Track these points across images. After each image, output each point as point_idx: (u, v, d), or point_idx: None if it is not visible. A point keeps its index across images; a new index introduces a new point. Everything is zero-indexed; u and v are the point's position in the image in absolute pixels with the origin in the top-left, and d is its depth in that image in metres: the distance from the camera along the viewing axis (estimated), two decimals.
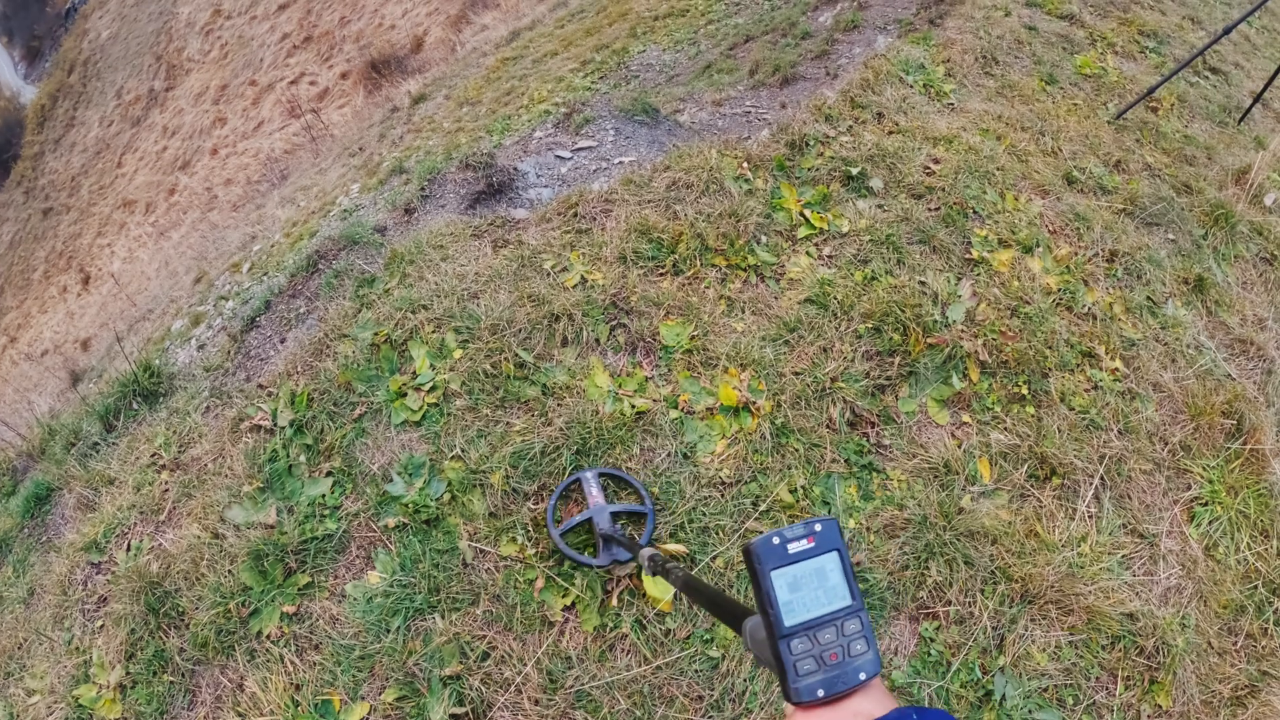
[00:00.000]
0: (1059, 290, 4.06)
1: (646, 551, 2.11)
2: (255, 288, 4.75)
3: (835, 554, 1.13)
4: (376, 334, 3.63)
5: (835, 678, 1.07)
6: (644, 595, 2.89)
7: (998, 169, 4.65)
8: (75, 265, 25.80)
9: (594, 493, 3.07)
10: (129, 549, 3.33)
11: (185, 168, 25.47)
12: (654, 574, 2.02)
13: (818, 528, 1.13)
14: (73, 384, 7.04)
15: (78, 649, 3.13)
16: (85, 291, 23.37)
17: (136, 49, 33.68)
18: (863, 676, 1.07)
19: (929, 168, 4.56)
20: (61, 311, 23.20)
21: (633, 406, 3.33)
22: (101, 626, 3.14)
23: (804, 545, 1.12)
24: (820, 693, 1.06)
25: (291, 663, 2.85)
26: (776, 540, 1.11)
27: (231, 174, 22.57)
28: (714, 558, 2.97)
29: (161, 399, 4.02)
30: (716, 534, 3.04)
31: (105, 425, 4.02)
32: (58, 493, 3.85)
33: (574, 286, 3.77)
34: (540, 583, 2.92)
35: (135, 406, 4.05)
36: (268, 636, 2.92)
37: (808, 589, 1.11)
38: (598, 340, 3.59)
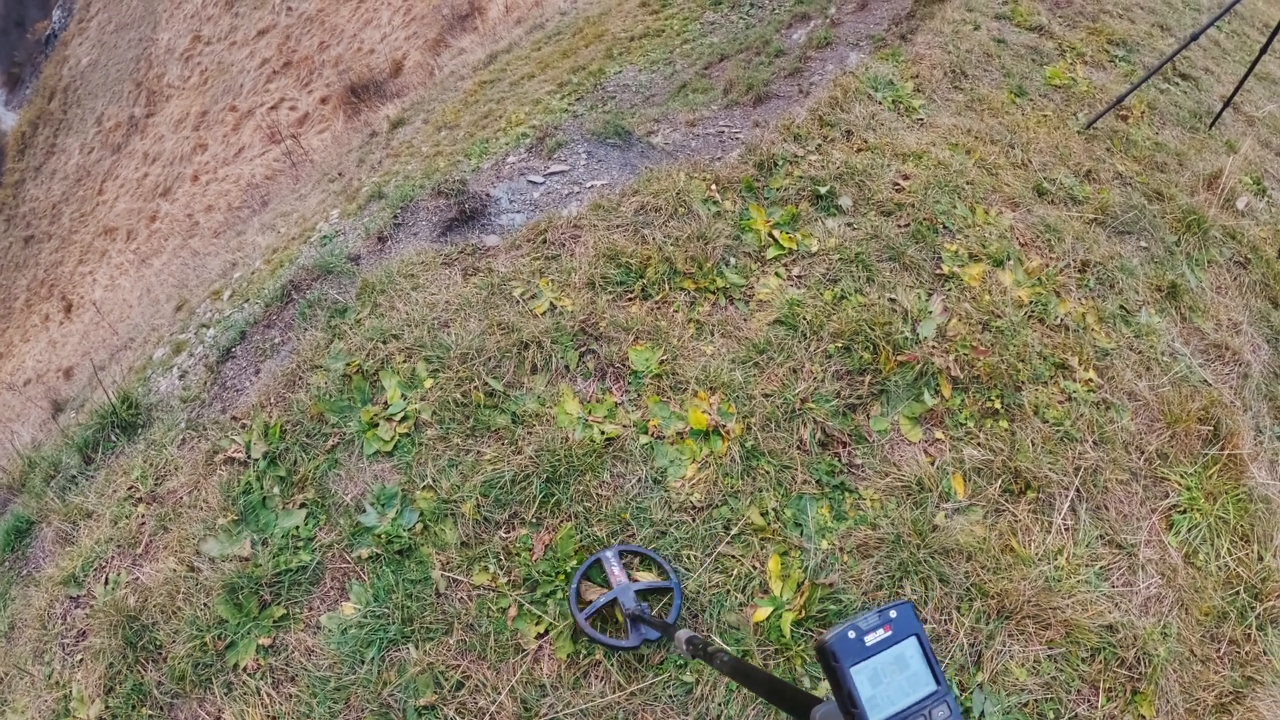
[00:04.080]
0: (1031, 303, 4.09)
1: (683, 634, 2.05)
2: (236, 315, 4.75)
3: (914, 639, 1.11)
4: (348, 365, 3.63)
5: None
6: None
7: (967, 183, 4.68)
8: (57, 293, 25.70)
9: (616, 571, 2.96)
10: (107, 582, 3.32)
11: (166, 194, 25.41)
12: (694, 657, 1.93)
13: (893, 614, 1.11)
14: (54, 414, 7.01)
15: (57, 683, 3.12)
16: (67, 320, 23.27)
17: (116, 75, 33.64)
18: None
19: (898, 184, 4.59)
20: (44, 340, 23.09)
21: (602, 433, 3.34)
22: (81, 660, 3.13)
23: (881, 635, 1.10)
24: None
25: (268, 695, 2.84)
26: (852, 634, 1.09)
27: (212, 200, 22.53)
28: (685, 583, 2.97)
29: (140, 430, 4.01)
30: (689, 559, 3.04)
31: (84, 457, 4.01)
32: (37, 526, 3.83)
33: (543, 313, 3.78)
34: (513, 611, 2.91)
35: (114, 439, 4.04)
36: (244, 669, 2.91)
37: (890, 680, 1.08)
38: (567, 367, 3.59)
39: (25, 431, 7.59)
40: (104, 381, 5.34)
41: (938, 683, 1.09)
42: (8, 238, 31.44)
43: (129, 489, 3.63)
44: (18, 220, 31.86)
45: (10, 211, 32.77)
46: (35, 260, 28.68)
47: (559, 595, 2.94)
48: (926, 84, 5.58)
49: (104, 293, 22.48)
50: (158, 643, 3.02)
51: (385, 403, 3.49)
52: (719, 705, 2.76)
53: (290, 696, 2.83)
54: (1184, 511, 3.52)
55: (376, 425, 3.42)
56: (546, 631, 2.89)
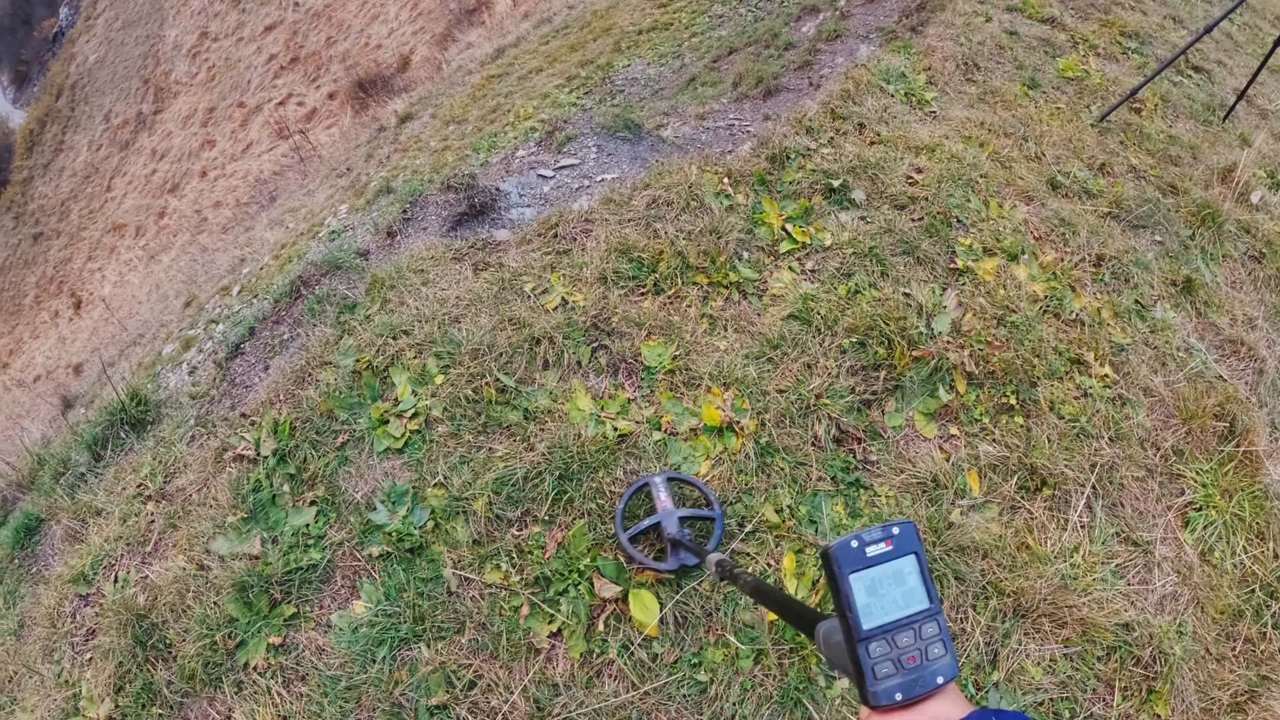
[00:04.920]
0: (1046, 297, 4.04)
1: (714, 557, 2.12)
2: (245, 311, 4.73)
3: (913, 557, 1.13)
4: (358, 361, 3.60)
5: (913, 681, 1.07)
6: (630, 620, 2.86)
7: (981, 176, 4.64)
8: (66, 290, 25.77)
9: (663, 497, 3.04)
10: (116, 581, 3.31)
11: (174, 191, 25.45)
12: (721, 579, 2.03)
13: (896, 531, 1.13)
14: (64, 410, 7.00)
15: (67, 682, 3.11)
16: (77, 316, 23.33)
17: (124, 73, 33.70)
18: (940, 680, 1.08)
19: (911, 177, 4.54)
20: (53, 337, 23.15)
21: (615, 429, 3.31)
22: (90, 659, 3.12)
23: (882, 548, 1.12)
24: (898, 696, 1.06)
25: (279, 694, 2.82)
26: (855, 544, 1.12)
27: (220, 196, 22.55)
28: (700, 581, 2.94)
29: (149, 427, 4.00)
30: None
31: (93, 455, 4.00)
32: (46, 524, 3.82)
33: (554, 308, 3.75)
34: (526, 609, 2.89)
35: (123, 435, 4.03)
36: (254, 668, 2.90)
37: (886, 592, 1.11)
38: (579, 363, 3.56)
39: (35, 428, 7.60)
40: (113, 378, 5.33)
41: (930, 600, 1.12)
42: (17, 235, 31.54)
43: (138, 486, 3.62)
44: (26, 217, 31.95)
45: (19, 209, 32.87)
46: (44, 257, 28.76)
47: (571, 594, 2.92)
48: (939, 76, 5.54)
49: (113, 289, 22.53)
50: (167, 641, 3.01)
51: (396, 399, 3.47)
52: (733, 705, 2.74)
53: (301, 696, 2.81)
54: (1200, 509, 3.49)
55: (387, 422, 3.39)
56: (559, 630, 2.86)
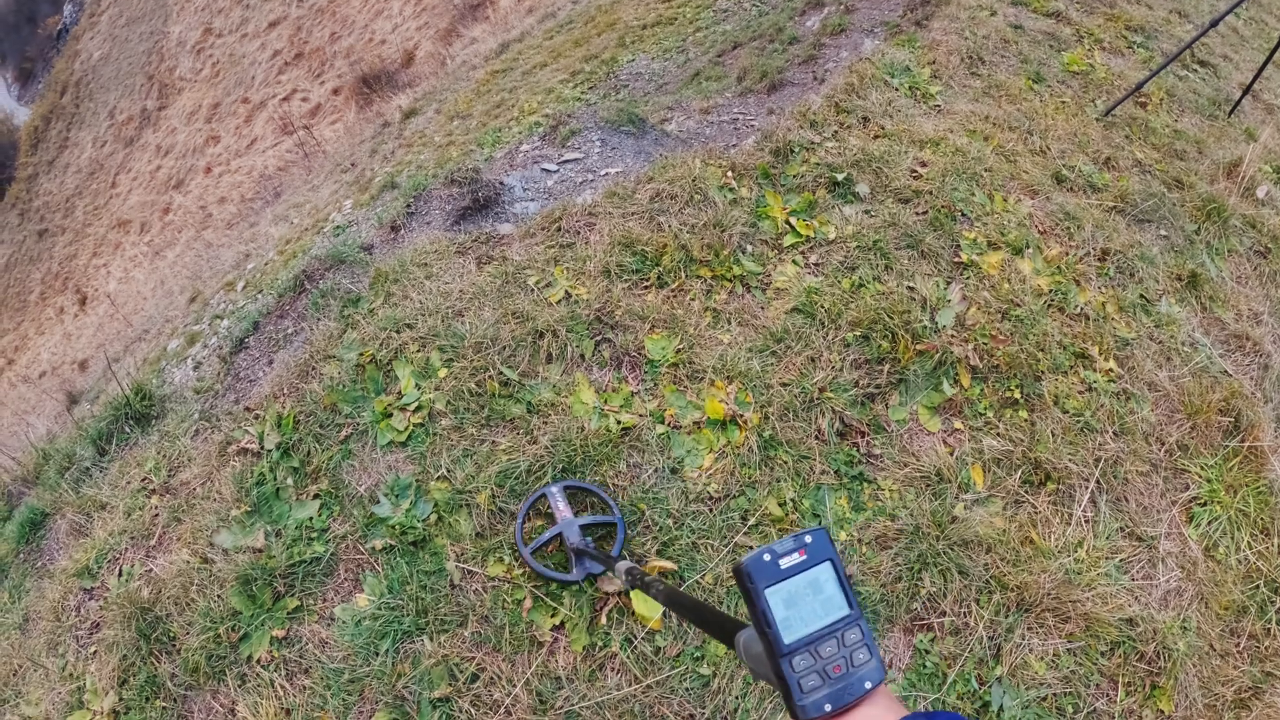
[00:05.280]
0: (1050, 291, 4.03)
1: (623, 565, 2.11)
2: (249, 306, 4.73)
3: (829, 564, 1.12)
4: (362, 354, 3.60)
5: (841, 690, 1.06)
6: (633, 613, 2.86)
7: (986, 170, 4.62)
8: (71, 286, 25.81)
9: (561, 507, 3.03)
10: (120, 574, 3.31)
11: (179, 187, 25.47)
12: (633, 588, 2.01)
13: (808, 539, 1.12)
14: (69, 406, 7.02)
15: (71, 675, 3.11)
16: (82, 312, 23.37)
17: (128, 69, 33.73)
18: (868, 685, 1.07)
19: (916, 171, 4.53)
20: (59, 333, 23.20)
21: (619, 422, 3.31)
22: (94, 653, 3.12)
23: (796, 559, 1.11)
24: (828, 707, 1.05)
25: (282, 687, 2.83)
26: (768, 557, 1.11)
27: (225, 192, 22.58)
28: (703, 574, 2.94)
29: (153, 422, 4.00)
30: (705, 550, 3.01)
31: (98, 449, 4.00)
32: (51, 518, 3.83)
33: (558, 302, 3.75)
34: (528, 603, 2.89)
35: (127, 430, 4.03)
36: (258, 661, 2.90)
37: (804, 603, 1.10)
38: (582, 356, 3.56)
39: (41, 423, 7.63)
40: (118, 374, 5.34)
41: (850, 607, 1.12)
42: (22, 231, 31.59)
43: (142, 480, 3.62)
44: (31, 214, 32.00)
45: (24, 205, 32.92)
46: (49, 254, 28.81)
47: (575, 587, 2.91)
48: (943, 70, 5.52)
49: (118, 285, 22.57)
50: (171, 634, 3.02)
51: (399, 392, 3.46)
52: (736, 699, 2.74)
53: (304, 688, 2.82)
54: (1204, 504, 3.48)
55: (390, 415, 3.39)
56: (562, 624, 2.86)
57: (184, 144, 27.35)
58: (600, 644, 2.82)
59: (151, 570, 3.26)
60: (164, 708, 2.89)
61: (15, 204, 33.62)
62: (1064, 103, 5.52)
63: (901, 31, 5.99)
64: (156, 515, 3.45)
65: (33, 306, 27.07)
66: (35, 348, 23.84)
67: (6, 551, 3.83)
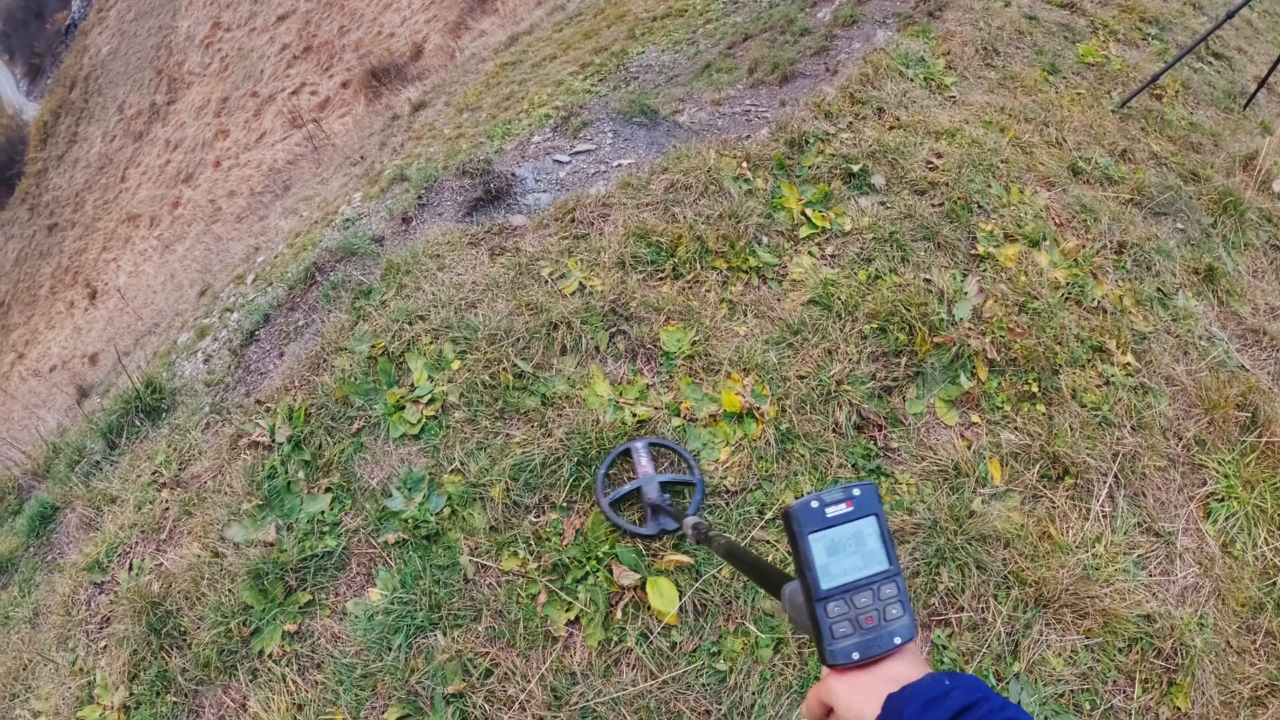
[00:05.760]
0: (1067, 284, 3.99)
1: (690, 520, 2.13)
2: (259, 299, 4.72)
3: (873, 519, 1.14)
4: (373, 346, 3.58)
5: (870, 641, 1.08)
6: (649, 608, 2.83)
7: (1002, 162, 4.58)
8: (81, 280, 25.89)
9: (644, 462, 3.07)
10: (131, 568, 3.30)
11: (188, 181, 25.52)
12: (698, 542, 2.04)
13: (856, 492, 1.13)
14: (80, 399, 7.03)
15: (81, 670, 3.10)
16: (92, 306, 23.44)
17: (137, 64, 33.81)
18: (898, 641, 1.09)
19: (931, 162, 4.49)
20: (69, 327, 23.28)
21: (634, 415, 3.27)
22: (105, 647, 3.11)
23: (842, 509, 1.12)
24: (855, 655, 1.08)
25: (294, 682, 2.81)
26: (815, 504, 1.12)
27: (234, 186, 22.60)
28: (719, 569, 2.91)
29: (164, 415, 3.99)
30: None
31: (108, 443, 3.99)
32: (61, 512, 3.82)
33: (572, 293, 3.71)
34: (543, 597, 2.86)
35: (138, 423, 4.02)
36: (269, 656, 2.88)
37: (845, 553, 1.12)
38: (597, 348, 3.53)
39: (51, 417, 7.64)
40: (128, 367, 5.33)
41: (890, 562, 1.13)
42: (31, 226, 31.72)
43: (153, 474, 3.61)
44: (41, 209, 32.11)
45: (34, 200, 33.04)
46: (59, 248, 28.91)
47: (589, 581, 2.89)
48: (958, 61, 5.48)
49: (128, 279, 22.63)
50: (182, 629, 3.00)
51: (412, 385, 3.44)
52: (752, 694, 2.71)
53: (316, 684, 2.80)
54: (1222, 500, 3.43)
55: (403, 408, 3.37)
56: (577, 618, 2.83)
57: (193, 138, 27.40)
58: (616, 639, 2.79)
59: (162, 564, 3.24)
60: (175, 703, 2.87)
61: (25, 199, 33.75)
62: (1079, 94, 5.48)
63: (914, 22, 5.95)
64: (167, 509, 3.43)
65: (43, 301, 27.17)
66: (45, 342, 23.94)
67: (16, 546, 3.82)
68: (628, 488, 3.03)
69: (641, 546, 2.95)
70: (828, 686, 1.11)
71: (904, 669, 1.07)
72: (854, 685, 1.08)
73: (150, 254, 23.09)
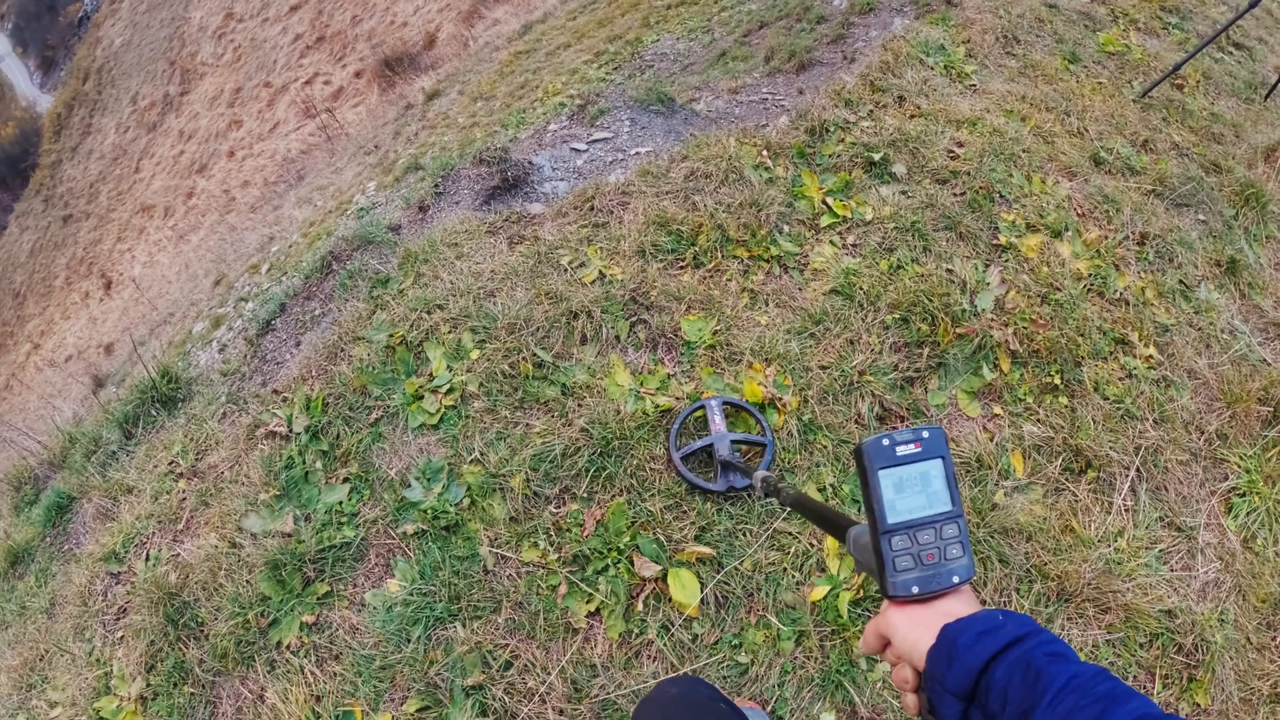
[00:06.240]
0: (1089, 275, 3.94)
1: (760, 474, 2.18)
2: (274, 288, 4.71)
3: (940, 461, 1.17)
4: (391, 336, 3.56)
5: (930, 577, 1.12)
6: (670, 599, 2.81)
7: (1023, 151, 4.53)
8: (96, 271, 25.99)
9: (717, 420, 3.11)
10: (148, 559, 3.30)
11: (202, 171, 25.57)
12: (766, 495, 2.09)
13: (925, 434, 1.17)
14: (96, 389, 7.04)
15: (98, 660, 3.10)
16: (107, 296, 23.52)
17: (150, 55, 33.88)
18: (956, 579, 1.12)
19: (953, 151, 4.44)
20: (84, 317, 23.37)
21: (655, 405, 3.24)
22: (121, 638, 3.11)
23: (911, 449, 1.16)
24: (915, 589, 1.12)
25: (312, 673, 2.80)
26: (886, 442, 1.16)
27: (248, 176, 22.63)
28: (741, 560, 2.88)
29: (180, 405, 3.99)
30: (743, 536, 2.95)
31: (124, 433, 3.99)
32: (78, 502, 3.82)
33: (592, 282, 3.69)
34: (563, 589, 2.84)
35: (154, 413, 4.02)
36: (287, 647, 2.87)
37: (911, 491, 1.16)
38: (618, 337, 3.50)
39: (67, 407, 7.67)
40: (144, 356, 5.33)
41: (953, 504, 1.16)
42: (46, 217, 31.86)
43: (170, 464, 3.60)
44: (55, 200, 32.25)
45: (48, 192, 33.18)
46: (74, 239, 29.04)
47: (610, 573, 2.87)
48: (978, 49, 5.42)
49: (143, 269, 22.70)
50: (199, 620, 2.99)
51: (430, 374, 3.42)
52: (774, 687, 2.68)
53: (334, 675, 2.78)
54: (1243, 495, 3.39)
55: (421, 397, 3.35)
56: (598, 610, 2.81)
57: (207, 128, 27.44)
58: (637, 631, 2.77)
59: (179, 555, 3.24)
60: (192, 694, 2.87)
61: (40, 190, 33.90)
62: (1100, 83, 5.42)
63: (933, 10, 5.89)
64: (184, 499, 3.43)
65: (58, 291, 27.30)
66: (61, 332, 24.05)
67: (33, 536, 3.83)
68: (700, 443, 3.07)
69: (663, 537, 2.93)
70: (887, 618, 1.14)
71: (960, 606, 1.11)
72: (912, 618, 1.11)
73: (165, 244, 23.16)
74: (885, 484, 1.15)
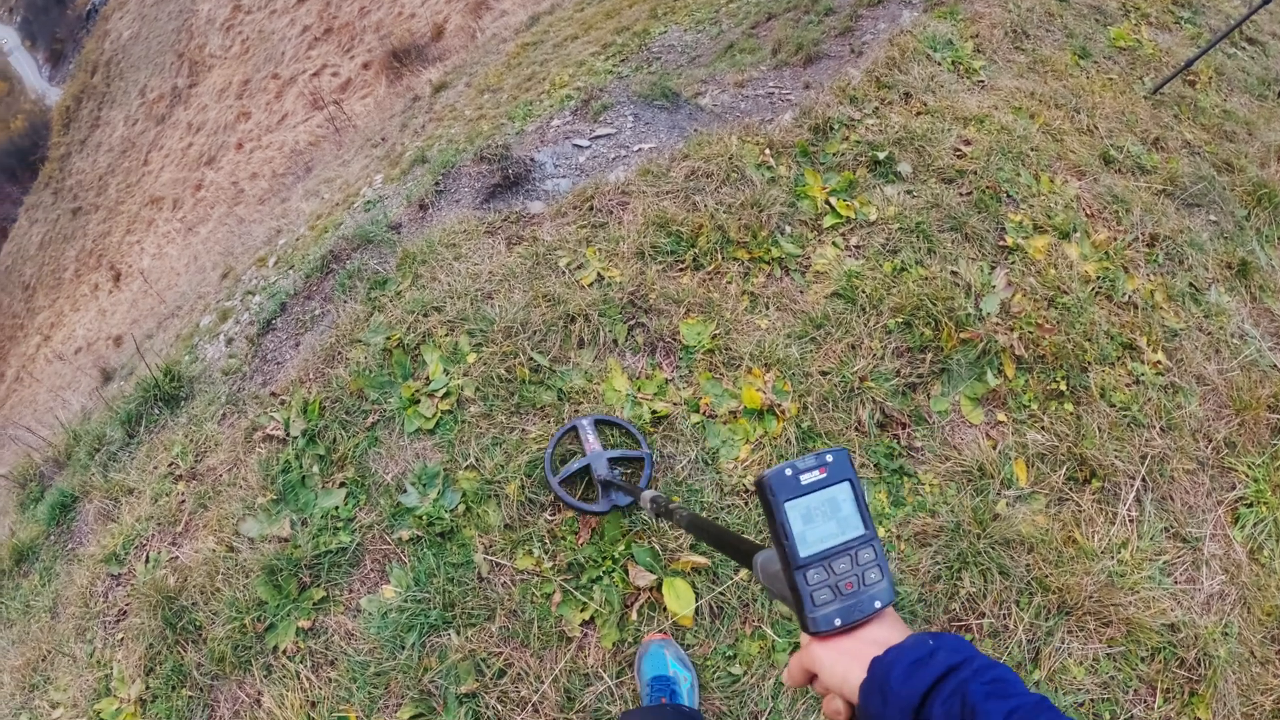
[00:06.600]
0: (1098, 278, 3.89)
1: (648, 494, 2.12)
2: (280, 282, 4.70)
3: (847, 484, 1.14)
4: (389, 338, 3.53)
5: (851, 606, 1.09)
6: (664, 609, 2.78)
7: (1031, 149, 4.46)
8: (105, 263, 26.10)
9: (590, 439, 3.08)
10: (147, 561, 3.30)
11: (211, 163, 25.62)
12: (657, 516, 2.10)
13: (829, 459, 1.14)
14: (104, 383, 7.06)
15: (99, 662, 3.11)
16: (116, 288, 23.62)
17: (158, 47, 33.96)
18: (878, 605, 1.10)
19: (959, 149, 4.38)
20: (93, 309, 23.47)
21: (652, 411, 3.22)
22: (122, 640, 3.12)
23: (816, 476, 1.12)
24: (837, 622, 1.08)
25: (307, 679, 2.80)
26: (789, 472, 1.12)
27: (257, 168, 22.66)
28: (739, 570, 2.85)
29: (182, 404, 3.98)
30: None
31: (127, 431, 4.00)
32: (80, 501, 3.83)
33: (590, 284, 3.65)
34: (558, 597, 2.83)
35: (157, 411, 4.02)
36: (284, 652, 2.87)
37: (821, 520, 1.12)
38: (615, 341, 3.47)
39: (75, 400, 7.70)
40: (148, 354, 5.33)
41: (865, 527, 1.13)
42: (55, 210, 32.01)
43: (169, 465, 3.59)
44: (65, 193, 32.38)
45: (57, 184, 33.33)
46: (83, 231, 29.16)
47: (604, 581, 2.85)
48: (987, 44, 5.35)
49: (151, 261, 22.78)
50: (197, 624, 2.99)
51: (427, 378, 3.40)
52: (767, 699, 2.67)
53: (330, 680, 2.78)
54: (1250, 505, 3.35)
55: (418, 402, 3.32)
56: (592, 619, 2.80)
57: (215, 121, 27.49)
58: (631, 640, 2.75)
59: (177, 558, 3.24)
60: (190, 697, 2.87)
61: (49, 183, 34.06)
62: (1111, 79, 5.35)
63: (942, 3, 5.82)
64: (183, 502, 3.42)
65: (68, 283, 27.43)
66: (70, 324, 24.17)
67: (38, 534, 3.84)
68: (576, 465, 3.03)
69: (658, 546, 2.90)
70: (811, 654, 1.11)
71: (886, 632, 1.08)
72: (838, 651, 1.08)
73: (173, 236, 23.22)
74: (793, 516, 1.11)
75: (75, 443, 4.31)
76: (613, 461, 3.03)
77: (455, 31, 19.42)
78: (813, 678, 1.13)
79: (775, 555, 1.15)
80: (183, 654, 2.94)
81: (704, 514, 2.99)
